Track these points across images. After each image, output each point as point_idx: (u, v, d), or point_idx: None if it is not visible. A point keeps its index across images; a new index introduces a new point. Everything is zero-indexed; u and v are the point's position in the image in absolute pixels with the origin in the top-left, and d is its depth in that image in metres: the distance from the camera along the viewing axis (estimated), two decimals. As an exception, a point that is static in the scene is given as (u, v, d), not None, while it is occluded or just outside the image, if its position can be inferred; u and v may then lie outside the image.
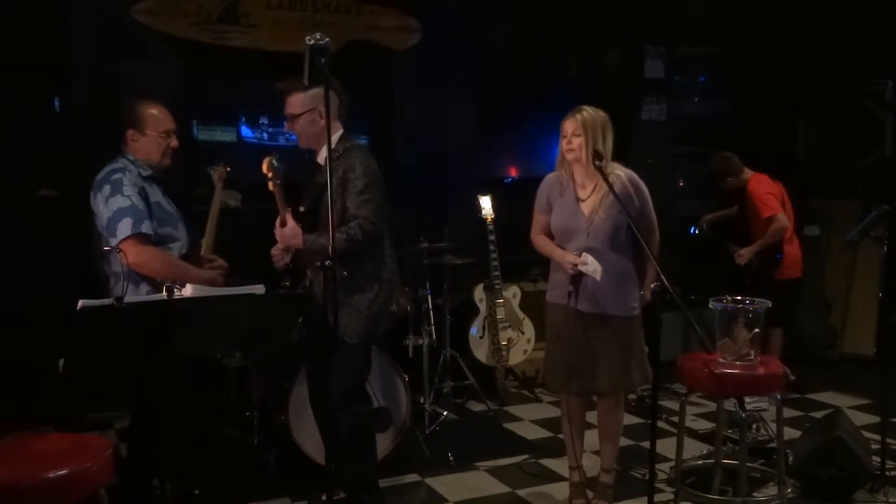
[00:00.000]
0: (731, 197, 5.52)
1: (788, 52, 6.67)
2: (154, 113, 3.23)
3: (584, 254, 3.37)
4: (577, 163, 3.41)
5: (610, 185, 3.27)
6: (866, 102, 6.47)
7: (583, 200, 3.44)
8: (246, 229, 5.08)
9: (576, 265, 3.36)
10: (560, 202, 3.49)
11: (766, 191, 5.15)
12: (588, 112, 3.40)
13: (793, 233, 5.27)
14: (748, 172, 5.27)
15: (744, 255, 5.16)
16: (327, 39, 2.59)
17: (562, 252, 3.45)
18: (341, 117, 3.43)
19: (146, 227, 3.03)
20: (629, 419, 4.77)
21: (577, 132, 3.37)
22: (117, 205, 3.02)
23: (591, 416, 3.76)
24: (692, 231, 5.57)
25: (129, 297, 2.38)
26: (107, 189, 3.06)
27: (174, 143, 3.27)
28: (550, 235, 3.56)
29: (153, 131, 3.21)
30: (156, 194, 3.22)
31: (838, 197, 6.47)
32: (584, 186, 3.46)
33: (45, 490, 2.22)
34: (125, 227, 2.99)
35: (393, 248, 3.48)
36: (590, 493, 3.65)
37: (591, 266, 3.34)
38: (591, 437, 3.82)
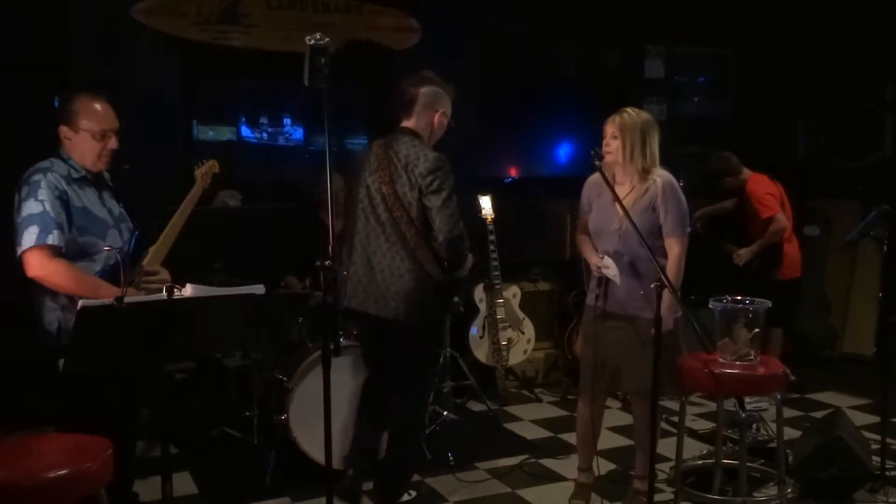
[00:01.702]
0: (728, 196, 5.52)
1: (788, 53, 6.67)
2: (92, 109, 2.93)
3: (605, 257, 3.42)
4: (616, 164, 3.44)
5: (613, 191, 3.27)
6: (866, 102, 6.47)
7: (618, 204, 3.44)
8: (246, 229, 5.11)
9: (599, 268, 3.42)
10: (598, 202, 3.53)
11: (764, 191, 5.15)
12: (628, 114, 3.43)
13: (792, 233, 5.27)
14: (747, 172, 5.27)
15: (743, 255, 5.16)
16: (327, 39, 2.58)
17: (591, 253, 3.52)
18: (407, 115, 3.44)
19: (53, 239, 2.76)
20: (628, 419, 4.77)
21: (615, 134, 3.41)
22: (27, 210, 2.78)
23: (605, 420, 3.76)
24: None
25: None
26: (24, 190, 2.83)
27: (112, 144, 2.96)
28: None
29: (87, 129, 2.90)
30: (86, 198, 2.94)
31: (838, 197, 6.47)
32: (622, 186, 3.46)
33: (45, 490, 2.21)
34: (30, 237, 2.76)
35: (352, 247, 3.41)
36: (594, 496, 3.67)
37: (612, 270, 3.39)
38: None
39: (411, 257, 3.27)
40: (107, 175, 3.11)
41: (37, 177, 2.85)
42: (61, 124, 2.93)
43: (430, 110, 3.39)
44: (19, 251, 2.79)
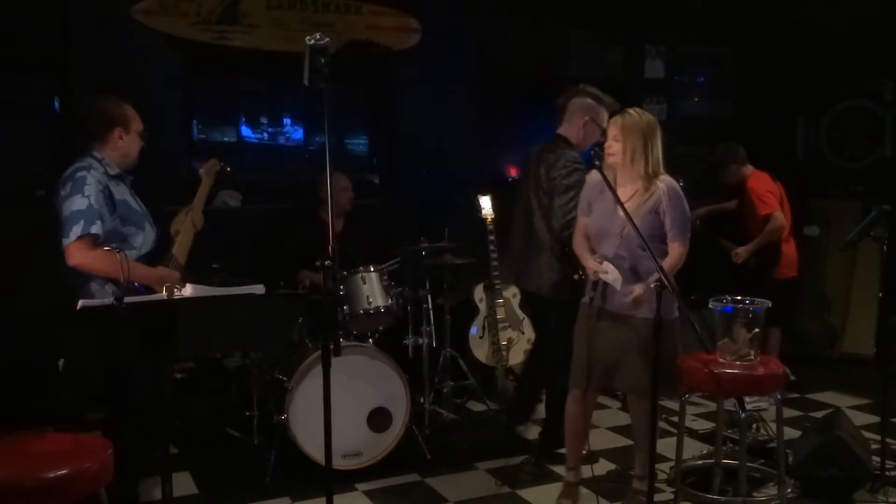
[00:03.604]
0: (730, 195, 5.52)
1: (789, 52, 6.67)
2: (133, 112, 3.32)
3: (605, 262, 3.33)
4: (617, 166, 3.39)
5: (615, 193, 3.25)
6: (866, 102, 6.48)
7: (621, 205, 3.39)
8: (246, 229, 5.11)
9: (597, 272, 3.34)
10: (599, 204, 3.46)
11: (765, 189, 5.15)
12: (631, 116, 3.38)
13: (789, 234, 5.27)
14: (750, 168, 5.28)
15: (740, 253, 5.16)
16: (327, 39, 2.58)
17: (587, 257, 3.44)
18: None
19: (96, 228, 3.04)
20: (628, 419, 4.77)
21: (618, 137, 3.36)
22: (74, 206, 3.04)
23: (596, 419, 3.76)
24: None
25: (89, 300, 2.35)
26: (69, 187, 3.09)
27: (143, 142, 3.36)
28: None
29: (136, 130, 3.30)
30: (122, 192, 3.25)
31: (838, 197, 6.48)
32: (623, 188, 3.41)
33: (45, 490, 2.22)
34: (76, 229, 3.02)
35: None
36: (595, 497, 3.67)
37: (612, 275, 3.30)
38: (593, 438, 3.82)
39: (543, 242, 3.90)
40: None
41: (81, 173, 3.11)
42: (116, 126, 3.23)
43: (577, 118, 3.91)
44: (65, 243, 3.03)
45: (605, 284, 3.38)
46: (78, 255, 3.03)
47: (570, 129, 3.94)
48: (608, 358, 3.45)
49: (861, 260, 6.26)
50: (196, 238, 3.48)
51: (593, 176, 3.51)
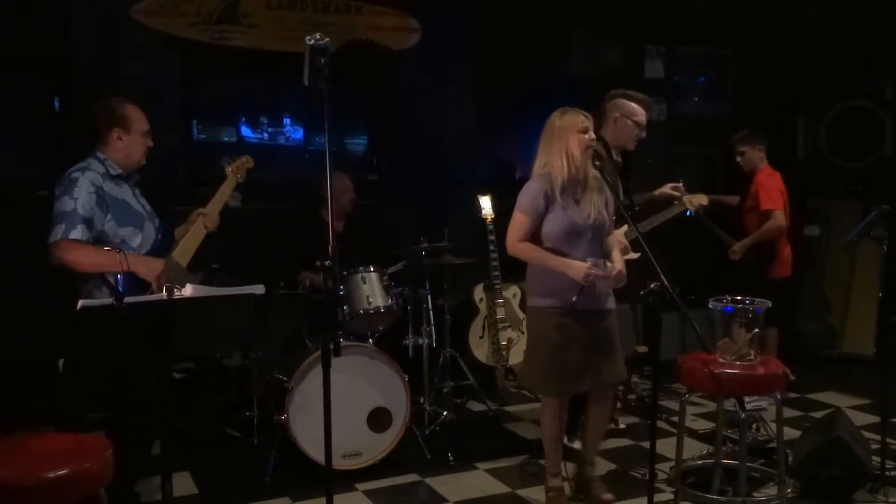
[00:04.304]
0: (730, 191, 5.52)
1: (788, 53, 6.67)
2: (138, 113, 3.31)
3: (607, 263, 3.33)
4: (585, 159, 3.38)
5: (609, 184, 3.29)
6: (866, 102, 6.48)
7: (580, 201, 3.43)
8: (246, 229, 5.11)
9: (589, 276, 3.27)
10: (560, 203, 3.40)
11: (774, 186, 5.16)
12: None
13: (785, 237, 5.26)
14: (766, 162, 5.28)
15: (737, 251, 5.16)
16: (327, 39, 2.59)
17: (575, 265, 3.32)
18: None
19: (77, 234, 3.03)
20: (629, 419, 4.78)
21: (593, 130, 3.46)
22: (60, 207, 3.06)
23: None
24: (688, 213, 5.54)
25: (87, 301, 2.34)
26: (61, 187, 3.10)
27: (150, 143, 3.35)
28: (533, 242, 3.47)
29: (138, 130, 3.28)
30: (122, 193, 3.24)
31: (838, 197, 6.48)
32: (574, 188, 3.43)
33: (45, 490, 2.21)
34: (57, 231, 3.04)
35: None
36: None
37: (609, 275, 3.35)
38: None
39: None
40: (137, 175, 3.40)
41: (75, 174, 3.11)
42: (114, 127, 3.22)
43: (609, 118, 4.00)
44: (48, 241, 3.05)
45: (585, 285, 3.33)
46: (58, 255, 3.05)
47: (606, 130, 4.01)
48: (596, 356, 3.46)
49: (861, 260, 6.26)
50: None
51: (540, 178, 3.45)
